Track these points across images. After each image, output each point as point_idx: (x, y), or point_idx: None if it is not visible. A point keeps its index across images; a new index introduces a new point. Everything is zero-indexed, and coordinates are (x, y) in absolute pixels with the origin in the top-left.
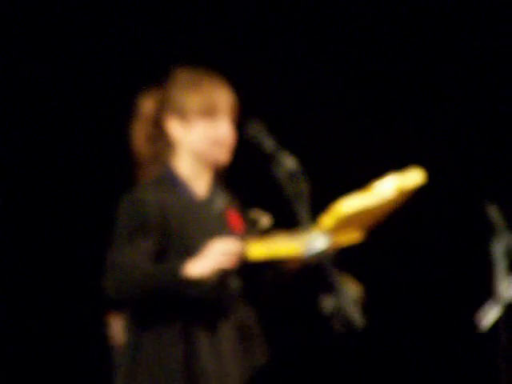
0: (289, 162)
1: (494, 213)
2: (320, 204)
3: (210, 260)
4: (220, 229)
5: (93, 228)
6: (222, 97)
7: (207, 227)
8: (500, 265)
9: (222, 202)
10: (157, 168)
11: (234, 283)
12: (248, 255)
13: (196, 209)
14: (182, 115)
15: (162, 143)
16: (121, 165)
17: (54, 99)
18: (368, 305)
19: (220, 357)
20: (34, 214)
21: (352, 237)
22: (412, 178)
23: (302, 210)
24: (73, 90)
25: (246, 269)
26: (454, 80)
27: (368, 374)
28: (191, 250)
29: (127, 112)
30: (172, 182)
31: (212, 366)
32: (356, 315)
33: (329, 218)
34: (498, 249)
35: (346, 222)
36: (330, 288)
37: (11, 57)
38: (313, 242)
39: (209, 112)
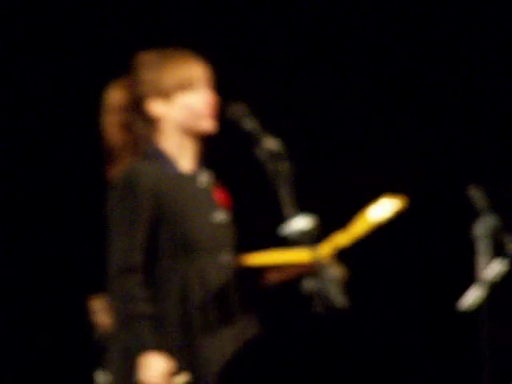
0: (271, 143)
1: (476, 194)
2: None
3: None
4: (207, 201)
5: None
6: (196, 68)
7: (195, 199)
8: (482, 246)
9: (207, 177)
10: (132, 155)
11: (235, 295)
12: (253, 262)
13: (183, 182)
14: (163, 93)
15: (139, 130)
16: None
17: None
18: (352, 287)
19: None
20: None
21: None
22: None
23: (284, 191)
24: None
25: (249, 275)
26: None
27: (353, 358)
28: (182, 220)
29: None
30: (157, 158)
31: (211, 352)
32: (338, 296)
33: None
34: (480, 230)
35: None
36: (311, 268)
37: None
38: (294, 222)
39: (186, 85)
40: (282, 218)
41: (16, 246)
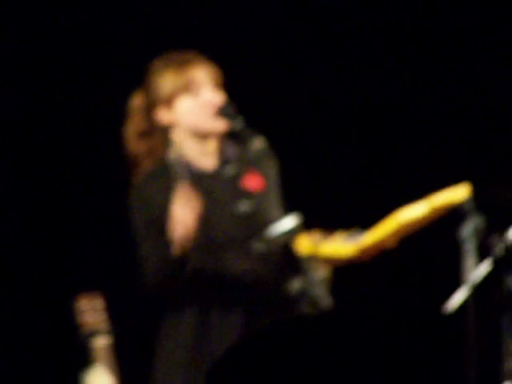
0: (258, 142)
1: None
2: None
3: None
4: (231, 193)
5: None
6: (199, 69)
7: (218, 195)
8: (468, 247)
9: (233, 168)
10: (153, 162)
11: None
12: (298, 249)
13: (204, 182)
14: (165, 101)
15: (157, 137)
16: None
17: (52, 101)
18: (339, 288)
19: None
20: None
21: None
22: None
23: (272, 190)
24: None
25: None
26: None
27: (339, 359)
28: (206, 220)
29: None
30: (174, 165)
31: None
32: (323, 296)
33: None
34: (467, 230)
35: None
36: (297, 268)
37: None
38: (281, 222)
39: (190, 87)
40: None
41: (4, 245)
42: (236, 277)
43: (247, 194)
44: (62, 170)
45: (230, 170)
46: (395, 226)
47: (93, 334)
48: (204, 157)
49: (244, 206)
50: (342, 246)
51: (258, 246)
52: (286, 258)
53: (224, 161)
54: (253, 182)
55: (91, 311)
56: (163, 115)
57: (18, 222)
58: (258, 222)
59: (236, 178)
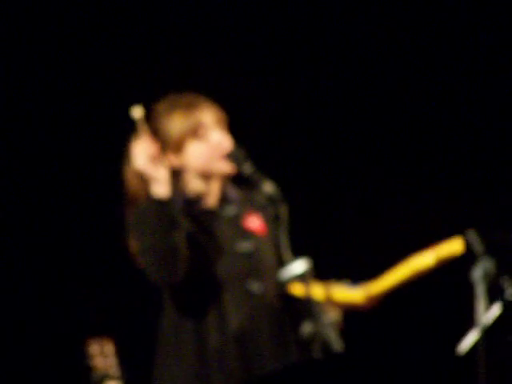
0: (267, 186)
1: (473, 238)
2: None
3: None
4: (233, 232)
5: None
6: (205, 112)
7: (219, 234)
8: (480, 290)
9: (234, 208)
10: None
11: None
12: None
13: (205, 219)
14: (175, 146)
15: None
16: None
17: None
18: (351, 330)
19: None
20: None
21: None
22: (450, 247)
23: (282, 234)
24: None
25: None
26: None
27: None
28: (208, 254)
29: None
30: (182, 202)
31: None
32: (334, 339)
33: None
34: (478, 273)
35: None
36: (308, 312)
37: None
38: (291, 265)
39: (196, 132)
40: (281, 263)
41: (16, 290)
42: (234, 327)
43: (247, 235)
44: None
45: (231, 210)
46: (405, 275)
47: (103, 378)
48: (206, 196)
49: (244, 246)
50: (351, 292)
51: (255, 287)
52: (284, 303)
53: (225, 201)
54: (254, 224)
55: (101, 356)
56: (172, 160)
57: (29, 264)
58: (257, 263)
59: (237, 218)
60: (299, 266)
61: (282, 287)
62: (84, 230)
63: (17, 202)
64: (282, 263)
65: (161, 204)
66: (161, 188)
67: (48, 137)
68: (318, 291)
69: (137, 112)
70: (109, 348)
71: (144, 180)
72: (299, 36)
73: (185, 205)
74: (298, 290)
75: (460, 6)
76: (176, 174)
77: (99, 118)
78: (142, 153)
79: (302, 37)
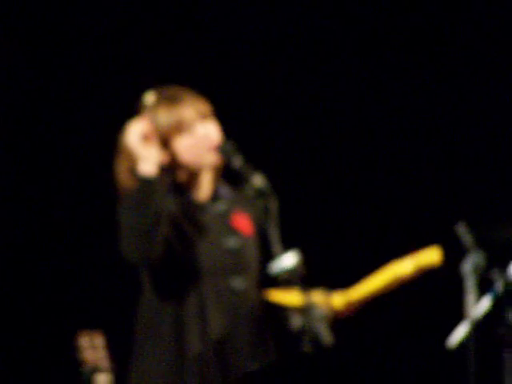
0: (257, 180)
1: (463, 231)
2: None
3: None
4: (220, 227)
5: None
6: (189, 106)
7: (206, 226)
8: (470, 283)
9: (224, 204)
10: None
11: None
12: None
13: (193, 210)
14: (162, 143)
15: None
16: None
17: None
18: (342, 325)
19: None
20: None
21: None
22: (428, 256)
23: (271, 227)
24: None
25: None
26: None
27: None
28: (193, 244)
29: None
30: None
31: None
32: (324, 333)
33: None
34: (467, 267)
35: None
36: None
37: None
38: (281, 259)
39: (182, 127)
40: (270, 256)
41: (6, 284)
42: (207, 322)
43: (234, 232)
44: (60, 206)
45: (220, 206)
46: (383, 282)
47: (94, 371)
48: (197, 189)
49: (230, 242)
50: (329, 298)
51: (237, 284)
52: (264, 304)
53: (216, 197)
54: (241, 222)
55: (92, 348)
56: (161, 157)
57: (21, 258)
58: (241, 260)
59: (225, 214)
60: (289, 259)
61: (262, 288)
62: (74, 223)
63: (12, 197)
64: (269, 259)
65: (145, 181)
66: (147, 166)
67: (44, 135)
68: (296, 298)
69: (150, 97)
70: (99, 341)
71: (134, 170)
72: (296, 30)
73: (175, 190)
74: (276, 296)
75: (460, 5)
76: (166, 171)
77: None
78: (135, 131)
79: (299, 31)
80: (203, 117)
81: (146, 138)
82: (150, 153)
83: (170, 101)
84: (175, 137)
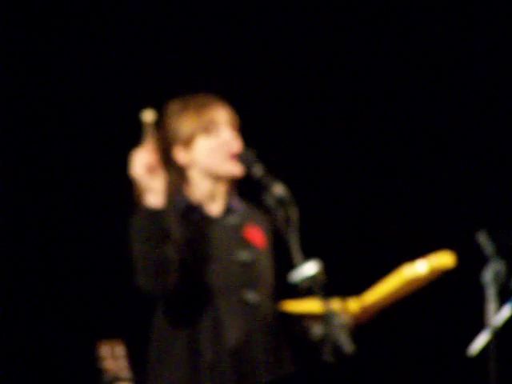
0: (277, 189)
1: (484, 240)
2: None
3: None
4: (233, 241)
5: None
6: (217, 111)
7: (219, 241)
8: (491, 292)
9: (237, 218)
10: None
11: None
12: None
13: (209, 225)
14: (184, 141)
15: (168, 178)
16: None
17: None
18: (363, 333)
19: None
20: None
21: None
22: (443, 259)
23: (292, 236)
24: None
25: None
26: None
27: None
28: (206, 261)
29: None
30: (184, 207)
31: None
32: (345, 342)
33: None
34: (488, 275)
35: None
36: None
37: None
38: (302, 267)
39: (208, 128)
40: (291, 265)
41: (25, 290)
42: (220, 335)
43: (247, 245)
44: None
45: (233, 219)
46: (397, 284)
47: (114, 380)
48: (212, 201)
49: (243, 255)
50: (345, 304)
51: (251, 297)
52: (278, 316)
53: (229, 211)
54: (254, 235)
55: (112, 358)
56: (181, 155)
57: (40, 265)
58: (254, 274)
59: (238, 227)
60: (310, 267)
61: (277, 300)
62: (97, 232)
63: (21, 202)
64: (289, 269)
65: (152, 214)
66: (154, 198)
67: (51, 140)
68: (314, 305)
69: (148, 116)
70: (120, 350)
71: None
72: (310, 36)
73: (186, 209)
74: (295, 306)
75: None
76: (183, 172)
77: (108, 120)
78: (140, 161)
79: (313, 36)
80: (229, 125)
81: (150, 168)
82: (155, 183)
83: (199, 104)
84: (200, 136)
